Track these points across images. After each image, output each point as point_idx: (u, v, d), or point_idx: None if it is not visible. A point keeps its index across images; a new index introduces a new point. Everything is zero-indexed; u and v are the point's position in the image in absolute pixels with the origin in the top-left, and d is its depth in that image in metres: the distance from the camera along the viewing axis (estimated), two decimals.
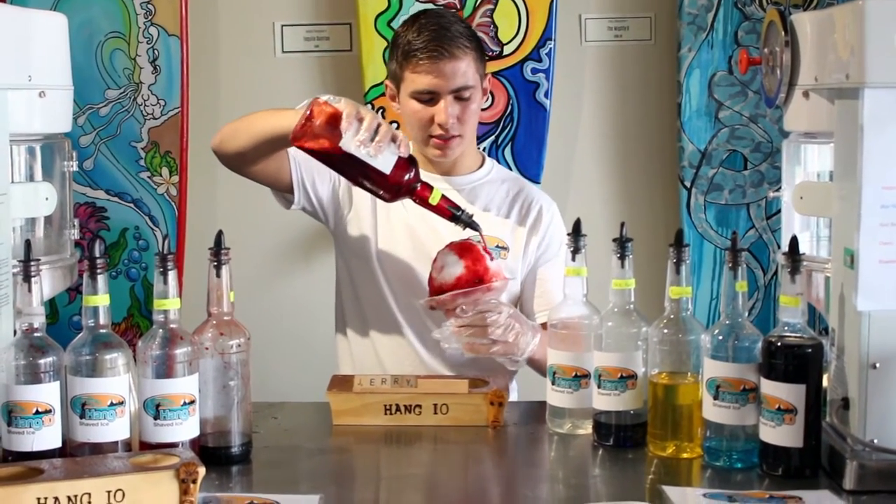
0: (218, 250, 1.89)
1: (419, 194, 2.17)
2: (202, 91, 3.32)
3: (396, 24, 3.17)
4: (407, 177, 2.14)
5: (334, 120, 2.10)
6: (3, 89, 1.90)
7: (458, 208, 2.19)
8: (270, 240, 3.40)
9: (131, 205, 3.22)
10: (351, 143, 2.09)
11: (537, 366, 2.34)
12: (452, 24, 2.42)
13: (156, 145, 3.21)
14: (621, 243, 1.96)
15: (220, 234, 1.90)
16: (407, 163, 2.14)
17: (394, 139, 2.12)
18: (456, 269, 2.17)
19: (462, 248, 2.19)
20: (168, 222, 3.21)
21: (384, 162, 2.11)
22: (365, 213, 2.48)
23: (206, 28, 3.36)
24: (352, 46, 3.36)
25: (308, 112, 2.11)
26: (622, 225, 1.98)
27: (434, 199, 2.17)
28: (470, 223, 2.19)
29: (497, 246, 2.39)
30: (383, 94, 3.22)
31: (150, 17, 3.18)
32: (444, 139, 2.42)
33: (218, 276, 1.89)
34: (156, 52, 3.19)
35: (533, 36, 3.26)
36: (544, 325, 2.39)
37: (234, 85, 3.39)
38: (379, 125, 2.11)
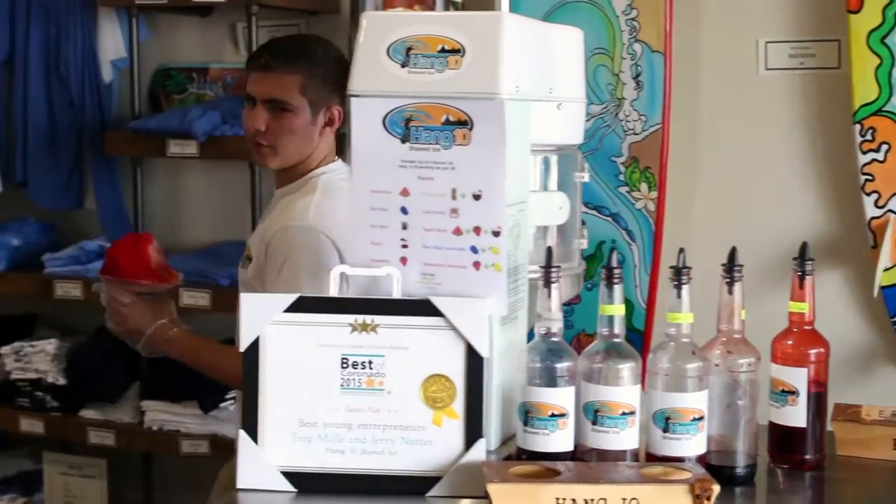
0: (731, 266, 1.86)
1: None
2: (683, 107, 3.30)
3: (890, 40, 3.05)
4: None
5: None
6: (528, 101, 1.97)
7: None
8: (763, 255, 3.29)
9: (609, 218, 3.26)
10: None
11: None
12: (307, 45, 2.51)
13: (635, 161, 3.23)
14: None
15: (733, 250, 1.87)
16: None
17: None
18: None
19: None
20: (644, 237, 3.23)
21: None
22: None
23: (689, 44, 3.35)
24: (840, 64, 3.23)
25: None
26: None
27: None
28: None
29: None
30: (872, 114, 3.10)
31: (634, 34, 3.21)
32: (255, 145, 2.48)
33: (730, 293, 1.86)
34: (639, 68, 3.21)
35: None
36: None
37: (715, 102, 3.36)
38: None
